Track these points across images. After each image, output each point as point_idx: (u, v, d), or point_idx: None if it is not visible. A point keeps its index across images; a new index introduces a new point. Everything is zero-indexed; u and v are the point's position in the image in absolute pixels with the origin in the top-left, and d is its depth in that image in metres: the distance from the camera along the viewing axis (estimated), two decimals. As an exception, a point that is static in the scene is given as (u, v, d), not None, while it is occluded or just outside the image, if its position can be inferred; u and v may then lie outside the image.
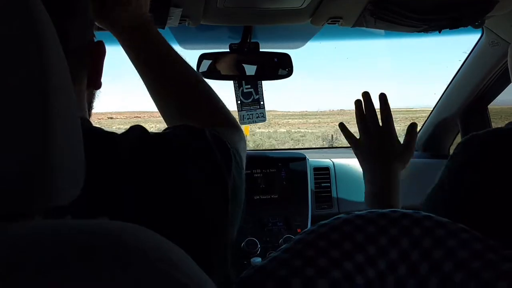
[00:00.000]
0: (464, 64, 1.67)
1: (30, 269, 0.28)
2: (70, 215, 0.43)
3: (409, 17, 1.06)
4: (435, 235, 0.58)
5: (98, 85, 0.70)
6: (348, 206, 1.71)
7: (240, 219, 0.70)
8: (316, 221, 1.63)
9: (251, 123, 1.54)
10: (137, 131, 0.62)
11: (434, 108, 1.94)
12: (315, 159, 1.76)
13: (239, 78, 1.46)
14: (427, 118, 1.99)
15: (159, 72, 0.81)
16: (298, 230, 1.57)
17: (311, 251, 0.59)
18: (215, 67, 1.39)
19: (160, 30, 1.06)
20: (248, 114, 1.52)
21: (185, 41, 1.46)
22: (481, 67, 1.58)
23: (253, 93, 1.51)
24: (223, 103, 0.83)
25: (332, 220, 0.62)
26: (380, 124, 1.05)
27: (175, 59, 0.82)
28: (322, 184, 1.71)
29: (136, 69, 0.82)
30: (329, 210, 1.70)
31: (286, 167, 1.66)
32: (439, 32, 1.18)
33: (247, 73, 1.41)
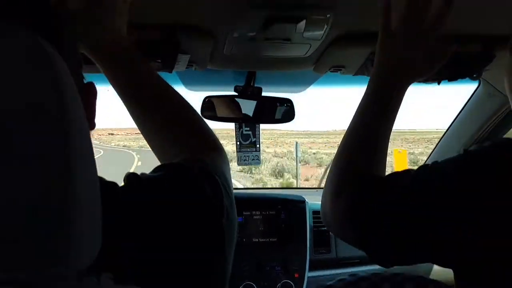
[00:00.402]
0: (461, 112, 1.71)
1: None
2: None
3: None
4: None
5: (92, 126, 0.70)
6: (346, 251, 1.70)
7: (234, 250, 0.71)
8: (313, 265, 1.63)
9: (247, 165, 1.55)
10: (131, 179, 0.63)
11: (431, 153, 1.96)
12: (314, 202, 1.77)
13: (241, 121, 1.48)
14: (425, 163, 2.01)
15: (144, 101, 0.80)
16: (296, 275, 1.56)
17: None
18: (218, 109, 1.42)
19: (166, 73, 1.10)
20: (244, 156, 1.53)
21: (190, 83, 1.49)
22: (478, 116, 1.61)
23: (251, 135, 1.54)
24: (207, 125, 0.83)
25: (337, 281, 0.63)
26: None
27: (160, 86, 0.81)
28: (321, 228, 1.71)
29: (120, 96, 0.81)
30: (327, 255, 1.70)
31: (285, 210, 1.67)
32: (438, 83, 1.22)
33: (249, 116, 1.44)
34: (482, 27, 1.02)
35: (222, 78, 1.44)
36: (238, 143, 1.52)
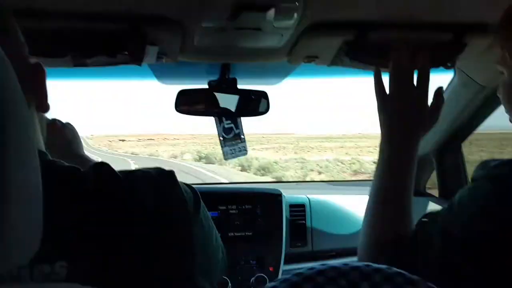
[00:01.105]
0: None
1: None
2: None
3: (381, 57, 1.07)
4: None
5: (45, 108, 0.68)
6: (323, 244, 1.70)
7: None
8: (290, 259, 1.62)
9: (234, 158, 1.52)
10: (104, 166, 0.62)
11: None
12: (291, 195, 1.75)
13: (217, 115, 1.46)
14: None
15: None
16: (271, 269, 1.55)
17: None
18: (194, 103, 1.40)
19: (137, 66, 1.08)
20: (231, 150, 1.51)
21: (163, 77, 1.46)
22: (453, 106, 1.61)
23: (234, 128, 1.51)
24: None
25: (306, 270, 0.61)
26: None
27: None
28: (297, 222, 1.70)
29: None
30: (303, 248, 1.69)
31: (261, 204, 1.65)
32: (413, 72, 1.21)
33: (226, 110, 1.42)
34: (452, 15, 1.01)
35: (196, 70, 1.42)
36: (221, 138, 1.49)
